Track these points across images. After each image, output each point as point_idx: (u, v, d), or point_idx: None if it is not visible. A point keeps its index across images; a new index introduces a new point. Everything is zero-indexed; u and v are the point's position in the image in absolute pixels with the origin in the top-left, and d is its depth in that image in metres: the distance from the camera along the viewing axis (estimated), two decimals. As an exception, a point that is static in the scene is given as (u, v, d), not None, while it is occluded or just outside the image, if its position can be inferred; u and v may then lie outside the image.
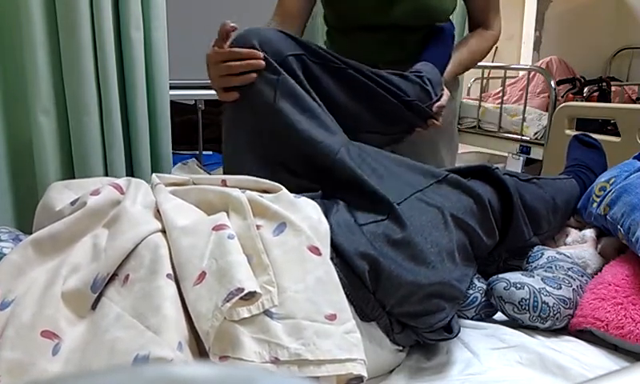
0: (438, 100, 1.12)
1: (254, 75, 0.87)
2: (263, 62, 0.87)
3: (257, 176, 0.82)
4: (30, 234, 0.73)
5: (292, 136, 0.86)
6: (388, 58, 1.26)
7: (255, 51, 0.87)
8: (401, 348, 0.81)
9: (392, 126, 1.08)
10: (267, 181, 0.81)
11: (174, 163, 1.33)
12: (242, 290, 0.59)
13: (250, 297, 0.61)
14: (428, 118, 1.10)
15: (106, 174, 1.24)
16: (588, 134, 1.44)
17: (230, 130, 0.94)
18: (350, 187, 0.84)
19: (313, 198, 0.79)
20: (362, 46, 1.28)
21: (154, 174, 0.84)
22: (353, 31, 1.30)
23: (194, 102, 1.73)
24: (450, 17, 1.32)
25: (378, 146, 0.96)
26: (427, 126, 1.11)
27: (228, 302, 0.58)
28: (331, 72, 0.95)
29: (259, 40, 0.89)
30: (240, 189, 0.77)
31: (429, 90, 1.10)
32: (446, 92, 1.17)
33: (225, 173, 0.93)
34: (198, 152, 1.91)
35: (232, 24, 0.88)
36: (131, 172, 1.30)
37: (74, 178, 1.21)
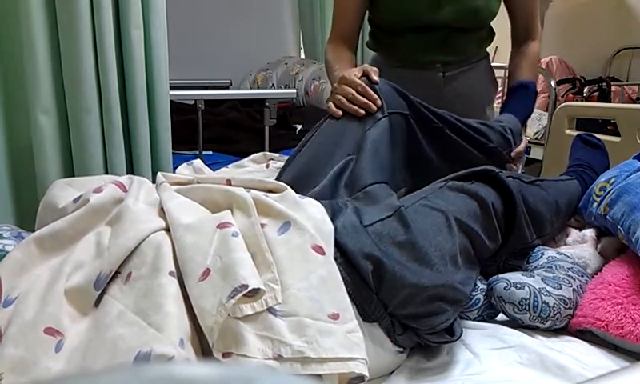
0: (517, 146, 1.26)
1: (363, 112, 1.01)
2: (376, 108, 1.02)
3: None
4: (31, 232, 0.73)
5: (357, 156, 0.97)
6: (436, 60, 1.32)
7: (377, 97, 1.02)
8: (402, 349, 0.81)
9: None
10: (272, 181, 0.82)
11: (175, 163, 1.34)
12: (246, 286, 0.59)
13: (254, 294, 0.62)
14: (506, 163, 1.22)
15: (107, 174, 1.23)
16: (591, 133, 1.44)
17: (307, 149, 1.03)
18: (365, 197, 0.89)
19: (320, 201, 0.80)
20: (410, 47, 1.33)
21: (159, 173, 0.85)
22: (400, 32, 1.33)
23: (193, 101, 1.73)
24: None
25: None
26: (506, 169, 1.21)
27: (232, 298, 0.59)
28: (429, 131, 1.08)
29: (379, 87, 1.04)
30: (245, 188, 0.77)
31: (509, 138, 1.22)
32: (524, 140, 1.31)
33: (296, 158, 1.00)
34: (198, 152, 1.90)
35: (377, 75, 1.06)
36: (131, 172, 1.30)
37: (74, 177, 1.21)
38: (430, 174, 1.02)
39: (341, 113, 1.03)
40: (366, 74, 1.06)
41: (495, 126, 1.21)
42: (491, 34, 1.42)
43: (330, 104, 1.05)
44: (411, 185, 1.06)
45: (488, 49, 1.48)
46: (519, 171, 1.30)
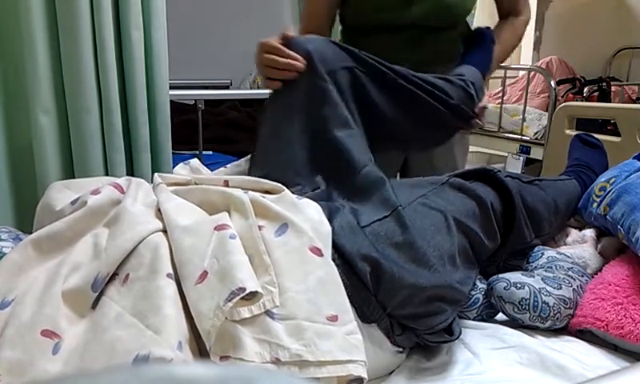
0: (480, 101, 1.17)
1: (294, 73, 0.92)
2: (302, 66, 0.92)
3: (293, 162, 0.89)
4: (30, 233, 0.73)
5: (327, 137, 0.91)
6: (409, 59, 1.27)
7: (297, 55, 0.93)
8: (401, 349, 0.80)
9: (436, 130, 1.12)
10: (270, 181, 0.82)
11: (174, 163, 1.34)
12: (244, 289, 0.59)
13: (252, 297, 0.61)
14: (471, 119, 1.15)
15: (106, 174, 1.24)
16: (590, 133, 1.44)
17: (269, 130, 0.97)
18: (360, 193, 0.86)
19: (317, 202, 0.80)
20: (382, 46, 1.26)
21: (156, 174, 0.84)
22: (372, 31, 1.30)
23: (193, 101, 1.73)
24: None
25: (422, 150, 1.00)
26: (471, 127, 1.16)
27: (229, 301, 0.58)
28: (381, 82, 1.00)
29: (315, 47, 0.94)
30: (242, 189, 0.77)
31: (472, 92, 1.14)
32: (487, 93, 1.21)
33: (258, 159, 0.96)
34: (198, 152, 1.90)
35: (291, 31, 0.95)
36: (131, 172, 1.30)
37: (73, 178, 1.21)
38: (388, 130, 0.98)
39: (278, 84, 0.95)
40: (280, 34, 0.95)
41: (455, 81, 1.13)
42: (468, 30, 1.36)
43: (264, 80, 0.97)
44: (371, 144, 0.99)
45: None
46: (484, 124, 1.25)
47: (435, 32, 1.27)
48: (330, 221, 0.76)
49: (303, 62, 0.93)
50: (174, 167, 1.13)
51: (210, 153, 2.07)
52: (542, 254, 1.01)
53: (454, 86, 1.11)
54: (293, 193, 0.80)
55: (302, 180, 0.89)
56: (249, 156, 1.08)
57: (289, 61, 0.92)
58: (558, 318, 0.87)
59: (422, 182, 0.95)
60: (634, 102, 3.18)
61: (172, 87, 1.37)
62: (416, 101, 1.03)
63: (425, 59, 1.25)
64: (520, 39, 1.39)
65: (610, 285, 0.89)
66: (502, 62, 1.38)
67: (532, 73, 3.05)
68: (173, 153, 1.38)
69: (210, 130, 2.12)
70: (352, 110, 0.96)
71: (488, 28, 1.30)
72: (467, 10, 1.28)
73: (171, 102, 1.36)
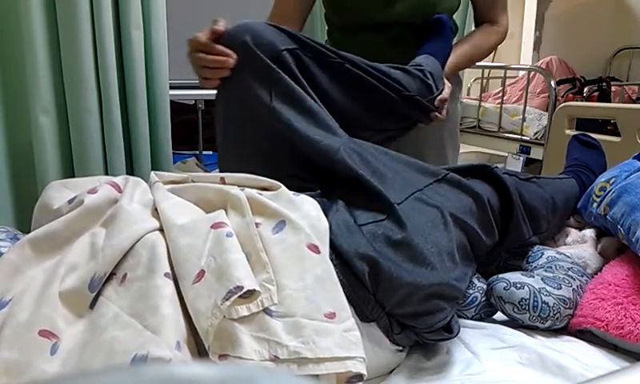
0: (440, 93, 1.11)
1: (226, 72, 0.87)
2: (233, 61, 0.86)
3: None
4: (29, 233, 0.73)
5: (290, 137, 0.85)
6: (393, 59, 1.25)
7: (226, 50, 0.86)
8: (400, 348, 0.80)
9: (392, 122, 1.06)
10: (266, 178, 0.81)
11: (174, 163, 1.34)
12: (242, 287, 0.59)
13: (250, 295, 0.61)
14: (430, 112, 1.09)
15: (106, 174, 1.23)
16: (587, 133, 1.44)
17: (226, 132, 0.93)
18: (351, 187, 0.83)
19: (312, 197, 0.79)
20: (366, 45, 1.24)
21: (152, 172, 0.84)
22: (356, 30, 1.28)
23: (193, 101, 1.73)
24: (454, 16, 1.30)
25: (378, 143, 0.94)
26: (430, 120, 1.10)
27: (227, 300, 0.58)
28: (327, 67, 0.92)
29: (252, 35, 0.87)
30: (239, 186, 0.77)
31: (430, 83, 1.08)
32: (447, 85, 1.15)
33: (220, 171, 0.91)
34: (197, 152, 1.91)
35: (222, 25, 0.88)
36: (131, 172, 1.30)
37: (73, 177, 1.21)
38: (339, 119, 0.90)
39: (215, 82, 0.89)
40: (210, 28, 0.89)
41: (412, 71, 1.06)
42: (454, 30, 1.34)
43: (201, 80, 0.91)
44: None
45: None
46: (445, 117, 1.12)
47: (419, 30, 1.25)
48: (326, 217, 0.75)
49: (233, 56, 0.86)
50: (173, 166, 1.12)
51: (210, 153, 2.08)
52: (542, 253, 1.01)
53: (411, 77, 1.05)
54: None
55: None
56: None
57: (217, 58, 0.86)
58: (557, 318, 0.87)
59: (415, 166, 0.91)
60: (634, 101, 3.18)
61: (172, 87, 1.37)
62: (367, 87, 0.97)
63: (409, 57, 1.20)
64: (490, 47, 1.33)
65: (609, 285, 0.89)
66: (471, 62, 1.33)
67: (532, 73, 3.05)
68: (173, 153, 1.38)
69: (210, 130, 2.12)
70: (306, 88, 0.89)
71: (446, 15, 1.25)
72: (451, 8, 1.26)
73: (171, 102, 1.36)
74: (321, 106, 0.90)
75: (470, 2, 1.39)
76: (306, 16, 1.29)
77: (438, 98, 1.10)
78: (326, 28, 1.40)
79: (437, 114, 1.10)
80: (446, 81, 1.16)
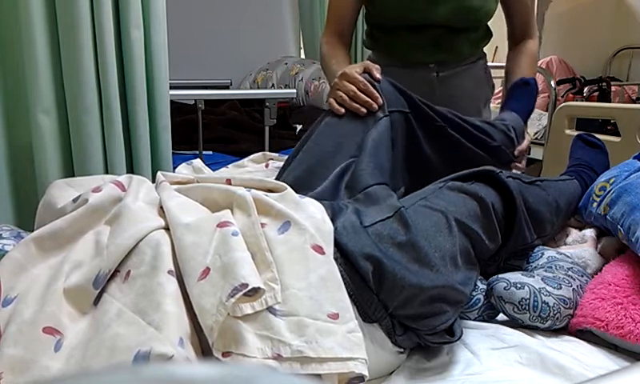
0: (520, 145, 1.25)
1: (365, 111, 1.02)
2: (377, 107, 1.02)
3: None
4: (31, 232, 0.73)
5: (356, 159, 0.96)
6: (430, 59, 1.31)
7: (378, 96, 1.02)
8: (402, 350, 0.80)
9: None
10: (272, 180, 0.82)
11: (175, 163, 1.34)
12: (247, 285, 0.59)
13: (254, 293, 0.62)
14: (510, 162, 1.22)
15: (106, 174, 1.23)
16: (591, 133, 1.44)
17: (323, 142, 1.03)
18: (366, 200, 0.88)
19: (321, 201, 0.80)
20: (404, 46, 1.33)
21: (159, 172, 0.85)
22: (396, 30, 1.32)
23: (193, 101, 1.73)
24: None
25: None
26: (510, 169, 1.22)
27: (232, 297, 0.58)
28: (430, 130, 1.08)
29: (385, 90, 1.04)
30: (245, 188, 0.77)
31: (512, 136, 1.22)
32: (527, 138, 1.31)
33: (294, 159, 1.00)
34: (198, 152, 1.90)
35: (379, 72, 1.06)
36: (131, 171, 1.29)
37: (74, 177, 1.21)
38: (430, 174, 1.02)
39: (343, 110, 1.02)
40: (367, 71, 1.05)
41: (498, 125, 1.21)
42: (488, 34, 1.40)
43: (332, 100, 1.05)
44: (410, 184, 1.06)
45: (486, 49, 1.47)
46: (524, 167, 1.29)
47: (456, 33, 1.30)
48: (333, 220, 0.76)
49: (380, 103, 1.02)
50: (174, 167, 1.13)
51: (210, 153, 2.07)
52: (542, 254, 1.01)
53: (496, 130, 1.18)
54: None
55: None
56: (250, 156, 1.09)
57: (369, 100, 1.01)
58: (557, 318, 0.87)
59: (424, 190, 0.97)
60: (634, 102, 3.18)
61: (172, 87, 1.37)
62: (460, 148, 1.11)
63: (445, 59, 1.31)
64: (537, 62, 1.48)
65: (609, 285, 0.89)
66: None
67: (532, 73, 3.04)
68: (173, 153, 1.38)
69: (210, 130, 2.12)
70: (399, 148, 1.05)
71: (533, 78, 1.38)
72: (490, 12, 1.32)
73: (171, 101, 1.36)
74: (391, 172, 1.03)
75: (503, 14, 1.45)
76: (357, 15, 1.38)
77: (518, 148, 1.24)
78: (366, 27, 1.44)
79: (517, 163, 1.24)
80: (526, 135, 1.31)
